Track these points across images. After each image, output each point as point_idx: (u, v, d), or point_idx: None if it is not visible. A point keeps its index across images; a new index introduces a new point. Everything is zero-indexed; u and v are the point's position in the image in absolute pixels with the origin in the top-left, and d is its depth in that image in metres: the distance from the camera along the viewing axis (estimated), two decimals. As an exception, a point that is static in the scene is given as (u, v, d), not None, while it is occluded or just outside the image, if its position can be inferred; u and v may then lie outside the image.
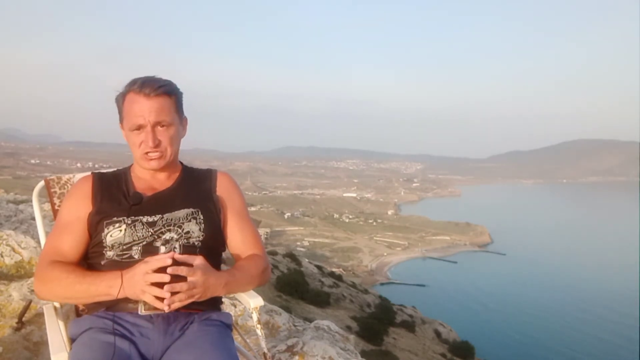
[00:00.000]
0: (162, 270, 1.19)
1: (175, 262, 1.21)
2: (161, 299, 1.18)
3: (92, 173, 1.51)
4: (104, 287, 1.23)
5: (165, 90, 1.39)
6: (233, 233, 1.51)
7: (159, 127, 1.39)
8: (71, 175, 1.71)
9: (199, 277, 1.23)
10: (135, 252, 1.31)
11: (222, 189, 1.54)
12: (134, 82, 1.38)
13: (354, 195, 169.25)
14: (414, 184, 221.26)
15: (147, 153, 1.40)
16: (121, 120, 1.45)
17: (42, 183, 1.68)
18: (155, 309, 1.26)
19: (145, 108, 1.36)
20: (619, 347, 48.82)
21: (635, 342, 46.02)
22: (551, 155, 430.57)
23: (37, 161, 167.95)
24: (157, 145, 1.39)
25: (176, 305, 1.20)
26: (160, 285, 1.18)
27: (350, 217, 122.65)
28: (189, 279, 1.21)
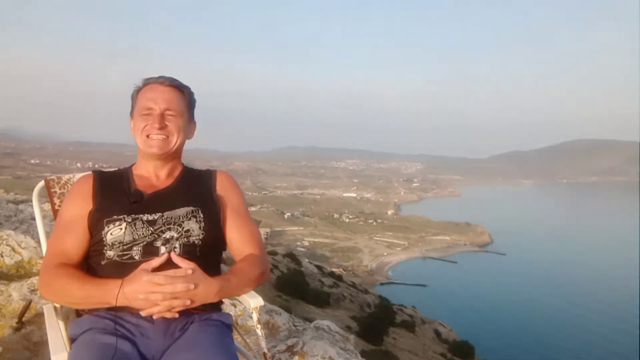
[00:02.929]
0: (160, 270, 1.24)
1: (170, 262, 1.28)
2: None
3: (92, 171, 1.52)
4: (103, 295, 1.24)
5: (179, 85, 1.48)
6: (231, 231, 1.50)
7: (167, 114, 1.44)
8: (71, 175, 1.71)
9: (178, 287, 1.22)
10: (136, 253, 1.31)
11: (221, 187, 1.55)
12: (150, 77, 1.48)
13: (354, 195, 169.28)
14: (414, 184, 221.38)
15: (149, 135, 1.43)
16: (132, 112, 1.50)
17: (42, 183, 1.68)
18: None
19: (158, 94, 1.43)
20: (619, 347, 48.78)
21: (636, 343, 46.06)
22: (551, 155, 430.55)
23: (37, 161, 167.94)
24: (162, 127, 1.42)
25: (153, 310, 1.22)
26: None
27: (350, 217, 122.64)
28: (163, 288, 1.21)
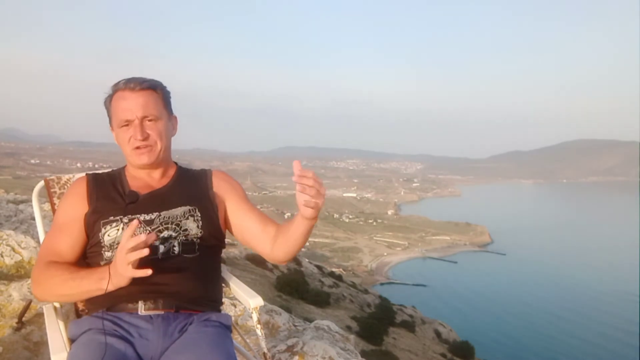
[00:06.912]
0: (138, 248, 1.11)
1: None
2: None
3: (86, 174, 1.51)
4: (94, 280, 1.21)
5: (150, 85, 1.40)
6: (246, 217, 1.48)
7: (147, 121, 1.39)
8: (71, 175, 1.71)
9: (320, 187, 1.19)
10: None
11: (218, 185, 1.53)
12: (118, 82, 1.40)
13: (354, 195, 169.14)
14: (414, 184, 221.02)
15: (136, 148, 1.40)
16: (110, 122, 1.46)
17: (42, 183, 1.68)
18: (155, 309, 1.29)
19: (131, 102, 1.37)
20: (619, 348, 48.76)
21: (636, 343, 46.04)
22: (551, 155, 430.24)
23: (37, 161, 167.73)
24: (145, 137, 1.38)
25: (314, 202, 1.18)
26: (140, 264, 1.13)
27: (350, 217, 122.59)
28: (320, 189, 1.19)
